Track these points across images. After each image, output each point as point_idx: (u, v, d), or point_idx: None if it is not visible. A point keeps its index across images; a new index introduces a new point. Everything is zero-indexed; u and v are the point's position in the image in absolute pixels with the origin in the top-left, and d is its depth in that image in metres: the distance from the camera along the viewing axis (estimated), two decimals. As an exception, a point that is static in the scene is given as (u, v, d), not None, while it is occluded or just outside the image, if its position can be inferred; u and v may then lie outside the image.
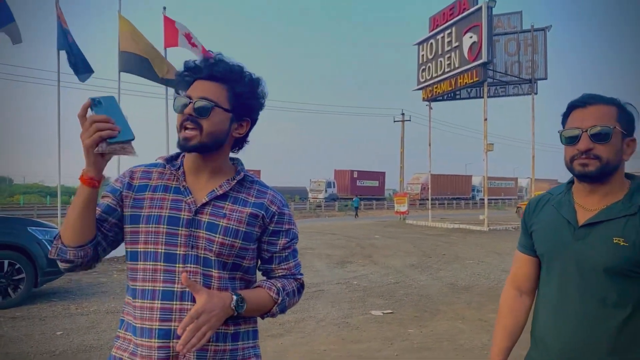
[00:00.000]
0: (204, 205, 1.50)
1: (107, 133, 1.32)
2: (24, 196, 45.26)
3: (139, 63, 13.33)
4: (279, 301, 1.55)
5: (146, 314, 1.44)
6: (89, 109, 1.36)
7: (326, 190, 52.50)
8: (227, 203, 1.53)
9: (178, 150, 1.57)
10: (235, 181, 1.56)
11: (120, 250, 1.60)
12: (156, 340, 1.42)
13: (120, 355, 1.50)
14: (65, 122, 12.29)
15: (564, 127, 1.55)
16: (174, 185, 1.53)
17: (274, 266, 1.61)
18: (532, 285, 1.73)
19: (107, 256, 1.80)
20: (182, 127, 1.48)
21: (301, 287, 1.68)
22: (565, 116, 1.57)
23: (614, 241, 1.43)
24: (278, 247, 1.60)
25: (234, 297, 1.44)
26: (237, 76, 1.54)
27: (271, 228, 1.58)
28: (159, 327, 1.43)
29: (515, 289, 1.76)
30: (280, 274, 1.62)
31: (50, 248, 1.49)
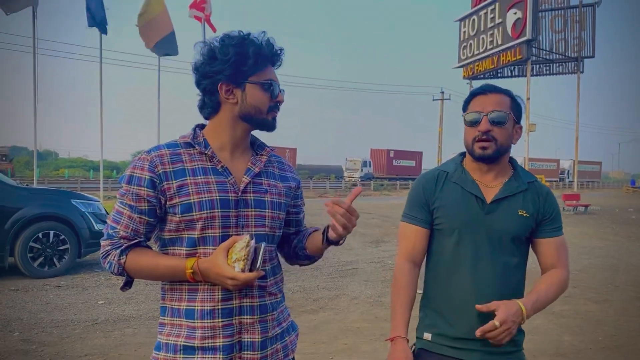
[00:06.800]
0: (247, 184, 1.53)
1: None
2: (68, 170, 46.80)
3: (164, 41, 13.88)
4: None
5: (207, 295, 1.47)
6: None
7: (362, 169, 52.22)
8: (263, 179, 1.59)
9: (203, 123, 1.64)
10: (266, 157, 1.62)
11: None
12: (220, 320, 1.47)
13: (173, 341, 1.49)
14: (107, 98, 12.65)
15: (465, 112, 1.77)
16: (210, 167, 1.52)
17: (302, 228, 1.79)
18: (423, 257, 1.85)
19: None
20: (272, 110, 1.57)
21: None
22: (467, 102, 1.78)
23: (519, 213, 1.72)
24: (301, 210, 1.78)
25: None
26: None
27: (297, 194, 1.73)
28: (222, 307, 1.47)
29: (410, 262, 1.81)
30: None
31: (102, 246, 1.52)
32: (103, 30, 13.71)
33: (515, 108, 1.75)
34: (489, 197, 1.73)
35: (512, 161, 1.84)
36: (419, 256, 1.82)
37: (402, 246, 1.84)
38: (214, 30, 14.33)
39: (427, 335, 1.76)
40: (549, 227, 1.76)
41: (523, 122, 1.83)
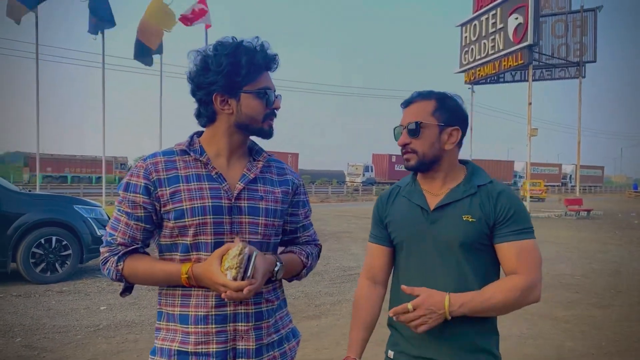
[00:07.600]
0: (240, 190, 1.52)
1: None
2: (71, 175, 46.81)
3: (140, 48, 13.70)
4: (308, 265, 1.71)
5: (201, 301, 1.48)
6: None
7: (364, 174, 52.29)
8: (259, 185, 1.57)
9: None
10: (262, 163, 1.60)
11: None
12: (214, 326, 1.47)
13: (168, 346, 1.50)
14: (110, 103, 12.64)
15: None
16: (204, 173, 1.52)
17: (299, 235, 1.73)
18: (385, 275, 1.80)
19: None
20: (268, 118, 1.56)
21: (320, 251, 1.83)
22: None
23: (464, 219, 1.59)
24: (301, 217, 1.72)
25: (278, 264, 1.53)
26: None
27: (294, 200, 1.68)
28: (216, 313, 1.48)
29: (369, 279, 1.81)
30: (303, 241, 1.75)
31: (103, 256, 1.51)
32: (110, 25, 13.55)
33: (444, 110, 1.63)
34: (434, 205, 1.65)
35: (467, 164, 1.73)
36: (380, 274, 1.79)
37: (364, 264, 1.86)
38: (190, 23, 14.18)
39: (390, 353, 1.73)
40: (505, 231, 1.58)
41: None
